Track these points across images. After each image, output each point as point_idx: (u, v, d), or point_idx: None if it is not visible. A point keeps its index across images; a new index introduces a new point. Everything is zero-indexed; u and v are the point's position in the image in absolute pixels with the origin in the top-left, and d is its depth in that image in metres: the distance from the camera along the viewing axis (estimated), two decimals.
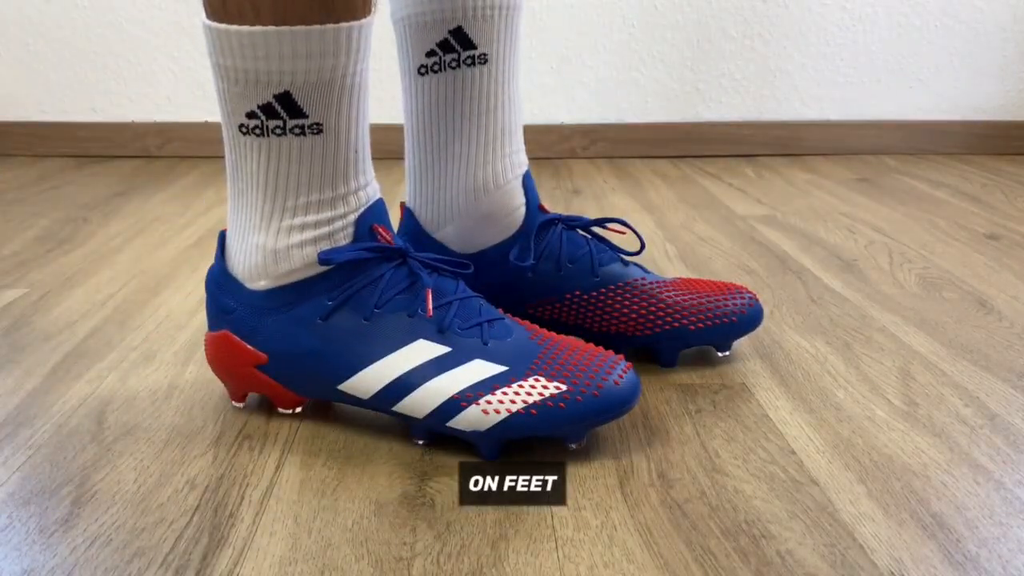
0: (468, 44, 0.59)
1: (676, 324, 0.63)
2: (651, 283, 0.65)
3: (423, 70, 0.60)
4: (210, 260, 0.93)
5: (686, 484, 0.50)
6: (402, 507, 0.47)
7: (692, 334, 0.64)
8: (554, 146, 1.58)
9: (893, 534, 0.45)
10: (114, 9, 1.53)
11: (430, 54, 0.59)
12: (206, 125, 1.58)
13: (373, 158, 0.55)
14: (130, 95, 1.58)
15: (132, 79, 1.57)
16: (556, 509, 0.47)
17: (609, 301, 0.64)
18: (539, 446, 0.53)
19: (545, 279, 0.64)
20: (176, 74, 1.56)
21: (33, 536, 0.45)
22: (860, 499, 0.48)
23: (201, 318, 0.75)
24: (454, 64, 0.60)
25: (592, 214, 1.15)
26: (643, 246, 0.63)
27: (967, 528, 0.46)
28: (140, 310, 0.78)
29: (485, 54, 0.60)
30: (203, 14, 0.50)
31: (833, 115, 1.61)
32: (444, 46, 0.59)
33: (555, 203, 1.22)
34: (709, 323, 0.64)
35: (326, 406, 0.59)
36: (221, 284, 0.57)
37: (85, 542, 0.44)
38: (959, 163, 1.53)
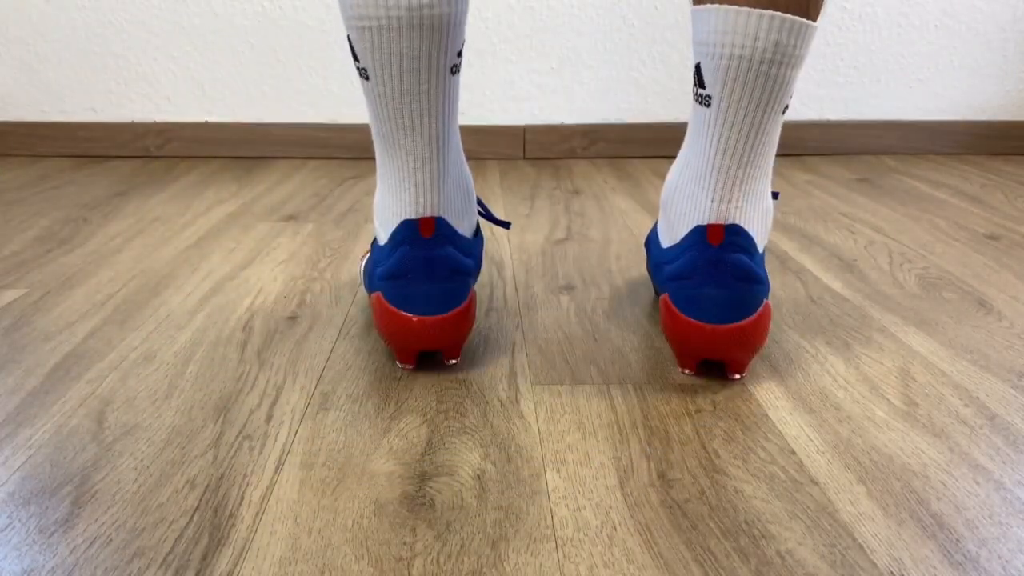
0: None
1: None
2: None
3: (455, 69, 0.61)
4: (210, 260, 0.93)
5: (686, 484, 0.50)
6: (402, 507, 0.47)
7: None
8: (554, 146, 1.58)
9: (893, 534, 0.45)
10: (114, 9, 1.53)
11: (459, 53, 0.61)
12: (206, 125, 1.58)
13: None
14: (130, 95, 1.58)
15: (132, 79, 1.57)
16: (556, 509, 0.47)
17: None
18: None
19: None
20: (176, 74, 1.56)
21: (33, 536, 0.45)
22: (860, 499, 0.48)
23: (201, 318, 0.76)
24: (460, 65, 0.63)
25: (593, 214, 1.15)
26: None
27: (967, 528, 0.46)
28: (140, 310, 0.78)
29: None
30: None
31: (833, 115, 1.62)
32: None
33: (555, 203, 1.22)
34: None
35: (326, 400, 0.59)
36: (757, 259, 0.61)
37: (85, 542, 0.44)
38: (959, 163, 1.53)
